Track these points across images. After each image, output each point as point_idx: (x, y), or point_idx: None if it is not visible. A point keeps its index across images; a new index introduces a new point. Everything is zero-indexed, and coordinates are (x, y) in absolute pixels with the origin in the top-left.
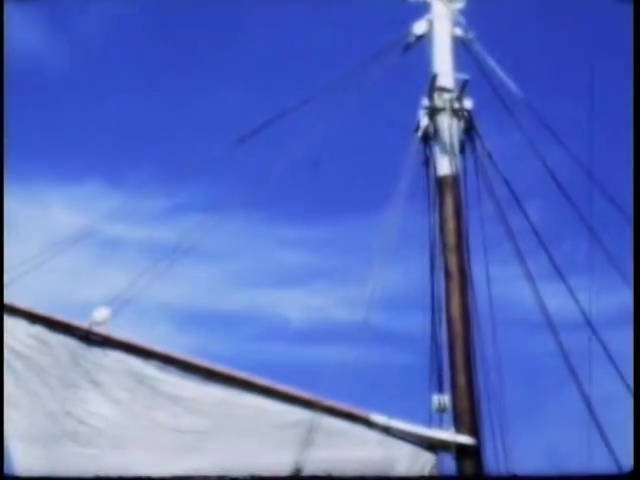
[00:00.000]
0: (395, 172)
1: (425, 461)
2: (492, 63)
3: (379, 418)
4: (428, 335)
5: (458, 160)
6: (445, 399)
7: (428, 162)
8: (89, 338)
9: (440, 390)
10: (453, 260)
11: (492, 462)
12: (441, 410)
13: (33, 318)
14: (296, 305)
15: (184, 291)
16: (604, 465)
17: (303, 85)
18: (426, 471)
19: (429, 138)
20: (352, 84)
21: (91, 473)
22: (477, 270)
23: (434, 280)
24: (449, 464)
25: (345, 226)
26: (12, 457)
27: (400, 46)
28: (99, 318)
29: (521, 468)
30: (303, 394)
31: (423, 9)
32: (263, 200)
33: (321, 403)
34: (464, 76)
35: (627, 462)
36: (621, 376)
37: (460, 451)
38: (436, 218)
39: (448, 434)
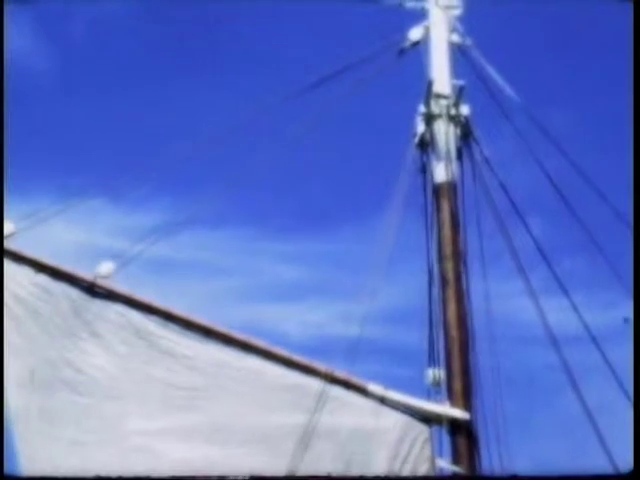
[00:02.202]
0: (391, 180)
1: (418, 432)
2: (489, 69)
3: (375, 388)
4: (426, 347)
5: (455, 166)
6: (440, 373)
7: (425, 169)
8: (92, 290)
9: (435, 365)
10: (449, 267)
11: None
12: (436, 384)
13: (38, 267)
14: (295, 320)
15: (182, 306)
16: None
17: (295, 89)
18: (419, 442)
19: (426, 145)
20: (345, 86)
21: (84, 422)
22: (475, 280)
23: (431, 288)
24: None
25: (342, 238)
26: (9, 402)
27: (394, 50)
28: (103, 272)
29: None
30: (300, 359)
31: (421, 16)
32: (260, 215)
33: (318, 369)
34: (460, 82)
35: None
36: (620, 384)
37: (453, 425)
38: (433, 226)
39: (441, 407)
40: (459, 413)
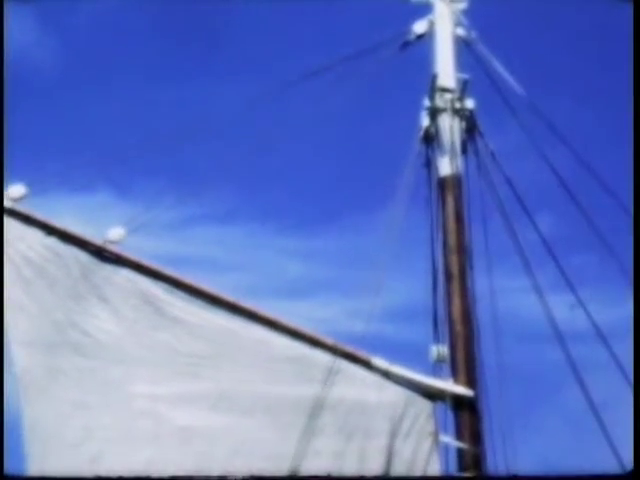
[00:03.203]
0: (396, 174)
1: (421, 408)
2: (494, 63)
3: (380, 362)
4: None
5: (460, 160)
6: (444, 349)
7: (430, 163)
8: (102, 254)
9: (438, 341)
10: (454, 261)
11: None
12: (440, 360)
13: (49, 229)
14: (302, 317)
15: None
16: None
17: (299, 83)
18: (422, 418)
19: (431, 139)
20: (348, 78)
21: (89, 385)
22: (481, 276)
23: (436, 282)
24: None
25: (349, 233)
26: (14, 362)
27: (398, 43)
28: (113, 237)
29: (521, 468)
30: (306, 330)
31: (426, 10)
32: (268, 210)
33: (323, 341)
34: (465, 76)
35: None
36: (627, 380)
37: (457, 402)
38: (438, 219)
39: (445, 383)
40: (463, 390)
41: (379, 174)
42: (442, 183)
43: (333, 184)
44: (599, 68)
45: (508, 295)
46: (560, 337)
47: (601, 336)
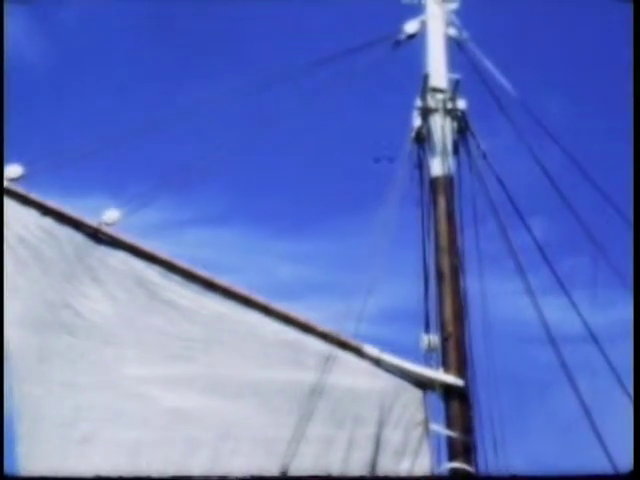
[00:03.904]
0: (388, 174)
1: (411, 397)
2: (486, 63)
3: (371, 350)
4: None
5: (451, 161)
6: (434, 339)
7: (421, 163)
8: (97, 236)
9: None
10: (445, 261)
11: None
12: (431, 350)
13: (45, 210)
14: None
15: None
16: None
17: (291, 84)
18: (412, 406)
19: (422, 139)
20: (338, 78)
21: (80, 365)
22: (473, 278)
23: (427, 283)
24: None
25: (341, 235)
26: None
27: (389, 42)
28: (109, 219)
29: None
30: (299, 316)
31: (418, 10)
32: (260, 213)
33: (316, 328)
34: (456, 76)
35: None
36: (621, 383)
37: (447, 391)
38: (430, 220)
39: (436, 372)
40: (453, 379)
41: (370, 175)
42: (434, 183)
43: (323, 185)
44: (595, 67)
45: (500, 297)
46: (552, 339)
47: (594, 338)
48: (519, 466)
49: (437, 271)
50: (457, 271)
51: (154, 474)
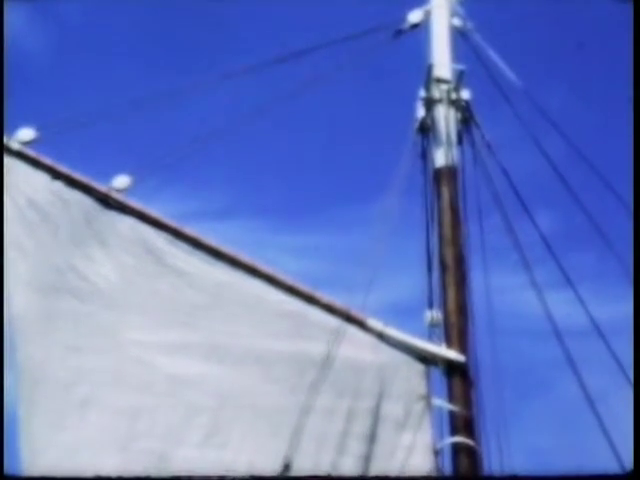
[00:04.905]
0: (391, 165)
1: (414, 371)
2: (491, 53)
3: (375, 323)
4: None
5: (455, 151)
6: (437, 314)
7: (425, 154)
8: (106, 201)
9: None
10: (449, 252)
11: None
12: (434, 325)
13: (55, 174)
14: None
15: None
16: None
17: (291, 75)
18: (414, 381)
19: (426, 130)
20: (339, 66)
21: (83, 329)
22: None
23: (431, 275)
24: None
25: (345, 228)
26: (10, 301)
27: (391, 31)
28: (119, 185)
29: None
30: (303, 287)
31: (422, 2)
32: (264, 206)
33: (320, 299)
34: (460, 67)
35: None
36: (624, 373)
37: (450, 366)
38: (433, 211)
39: (439, 348)
40: (455, 355)
41: (374, 165)
42: (438, 174)
43: (326, 176)
44: (598, 61)
45: (505, 291)
46: (558, 333)
47: (600, 333)
48: (519, 462)
49: (440, 262)
50: (461, 262)
51: (152, 472)
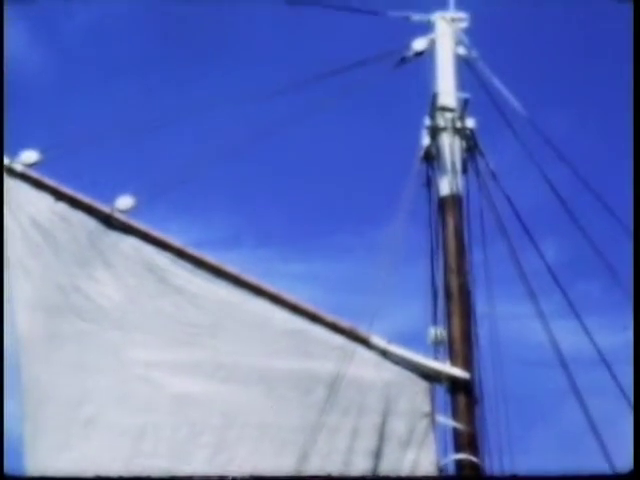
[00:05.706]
0: (396, 194)
1: (417, 388)
2: (495, 82)
3: (379, 341)
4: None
5: (460, 180)
6: (442, 331)
7: (430, 183)
8: (109, 222)
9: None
10: (454, 281)
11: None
12: (437, 342)
13: (59, 195)
14: None
15: None
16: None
17: (295, 101)
18: (418, 398)
19: (431, 158)
20: (344, 94)
21: (87, 348)
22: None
23: (436, 303)
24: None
25: (351, 256)
26: (15, 322)
27: (395, 58)
28: (122, 205)
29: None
30: (307, 306)
31: (426, 29)
32: (269, 234)
33: (323, 317)
34: (465, 95)
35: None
36: (630, 407)
37: (453, 384)
38: (438, 240)
39: (442, 365)
40: (459, 372)
41: (379, 193)
42: (442, 203)
43: (331, 203)
44: (602, 84)
45: (510, 320)
46: (563, 362)
47: (605, 363)
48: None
49: (445, 291)
50: (466, 291)
51: (155, 471)
